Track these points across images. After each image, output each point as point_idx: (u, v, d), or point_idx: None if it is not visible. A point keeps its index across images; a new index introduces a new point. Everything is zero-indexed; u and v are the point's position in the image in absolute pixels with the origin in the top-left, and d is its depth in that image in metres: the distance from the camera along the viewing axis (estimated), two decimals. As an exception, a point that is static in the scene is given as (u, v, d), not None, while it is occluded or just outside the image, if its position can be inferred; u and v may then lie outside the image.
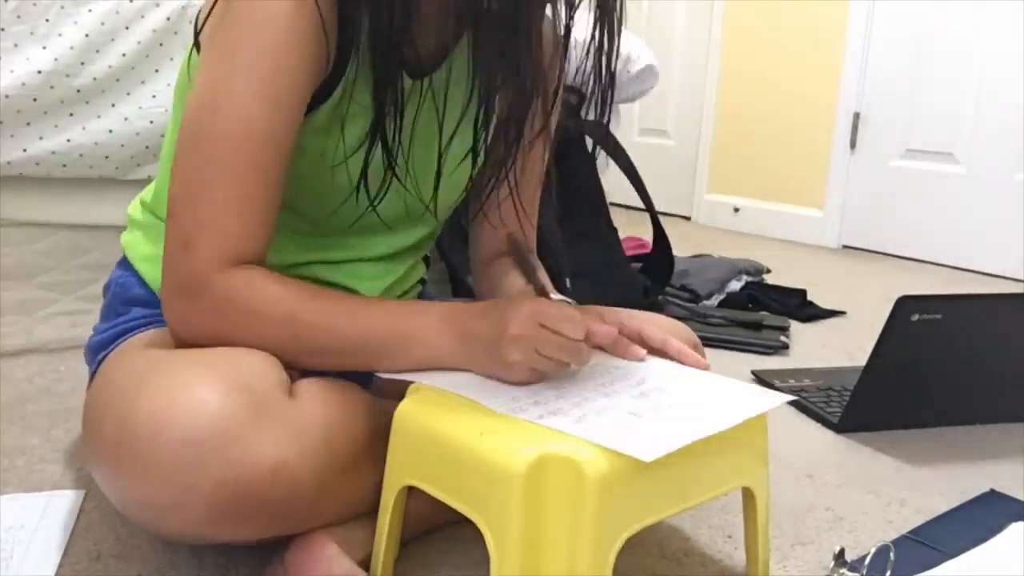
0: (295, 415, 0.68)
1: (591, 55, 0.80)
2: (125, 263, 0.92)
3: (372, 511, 0.74)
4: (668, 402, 0.70)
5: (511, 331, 0.70)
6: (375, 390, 0.80)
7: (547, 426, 0.64)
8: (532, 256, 0.70)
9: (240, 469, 0.63)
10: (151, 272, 0.87)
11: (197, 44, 0.80)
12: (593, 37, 0.80)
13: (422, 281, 1.03)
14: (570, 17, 0.82)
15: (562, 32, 0.82)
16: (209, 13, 0.76)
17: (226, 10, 0.73)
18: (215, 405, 0.63)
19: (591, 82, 0.81)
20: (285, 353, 0.73)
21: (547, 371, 0.72)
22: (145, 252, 0.90)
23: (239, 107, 0.71)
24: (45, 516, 0.86)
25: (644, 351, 0.80)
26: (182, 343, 0.74)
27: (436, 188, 0.86)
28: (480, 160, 0.89)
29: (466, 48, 0.83)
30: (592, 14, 0.79)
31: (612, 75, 0.82)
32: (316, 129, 0.79)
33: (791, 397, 0.77)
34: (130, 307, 0.87)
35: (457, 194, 0.93)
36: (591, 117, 0.87)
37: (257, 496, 0.64)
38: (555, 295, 0.81)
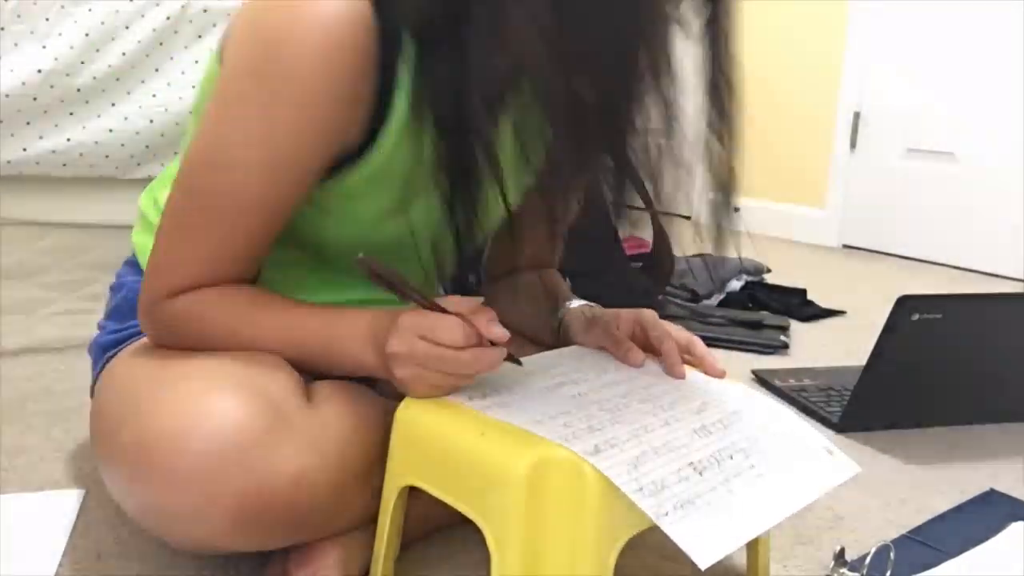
0: (314, 423, 0.68)
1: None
2: (135, 264, 0.90)
3: (376, 515, 0.74)
4: (731, 457, 0.65)
5: (388, 348, 0.66)
6: (379, 389, 0.80)
7: (602, 471, 0.59)
8: (389, 272, 0.64)
9: (262, 478, 0.62)
10: None
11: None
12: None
13: None
14: None
15: None
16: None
17: (242, 57, 0.68)
18: (236, 414, 0.63)
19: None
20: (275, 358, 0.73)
21: (443, 384, 0.67)
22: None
23: (237, 173, 0.69)
24: (45, 516, 0.86)
25: (642, 356, 0.80)
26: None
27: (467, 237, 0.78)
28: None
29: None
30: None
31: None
32: (347, 193, 0.75)
33: (858, 469, 0.73)
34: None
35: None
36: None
37: (279, 505, 0.64)
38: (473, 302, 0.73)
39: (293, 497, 0.64)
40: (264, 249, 0.74)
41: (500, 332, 0.66)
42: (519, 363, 0.73)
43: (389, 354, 0.66)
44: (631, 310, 0.84)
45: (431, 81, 0.68)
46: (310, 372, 0.74)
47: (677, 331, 0.83)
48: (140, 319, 0.76)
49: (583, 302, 0.89)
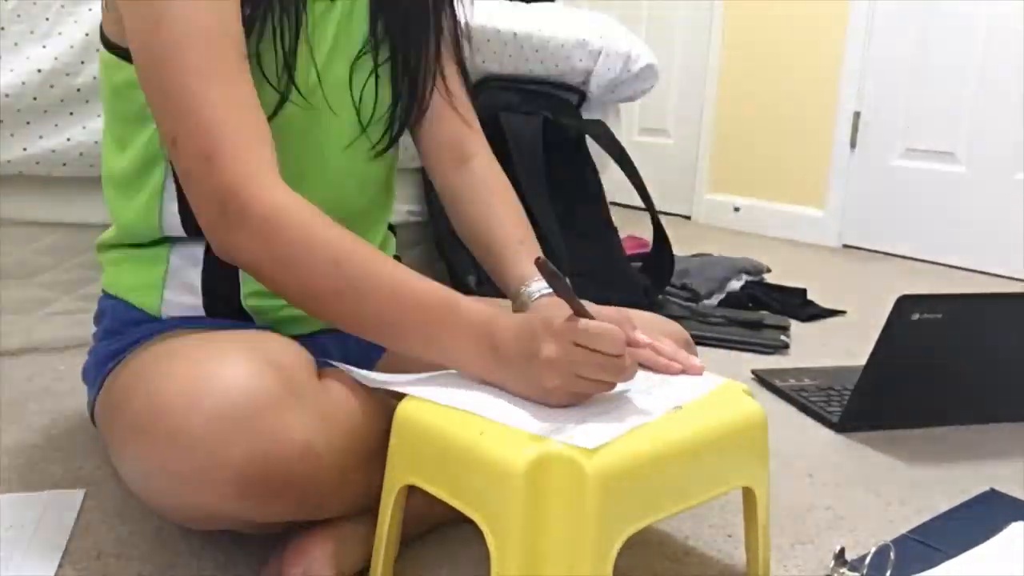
0: (323, 399, 0.68)
1: None
2: (112, 297, 0.90)
3: (374, 510, 0.74)
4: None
5: (543, 354, 0.64)
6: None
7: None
8: (561, 276, 0.65)
9: (270, 444, 0.63)
10: (143, 298, 0.86)
11: (104, 40, 0.80)
12: None
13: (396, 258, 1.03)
14: None
15: None
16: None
17: None
18: (248, 379, 0.63)
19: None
20: (318, 303, 0.70)
21: (589, 393, 0.67)
22: (130, 283, 0.88)
23: (186, 17, 0.68)
24: (45, 515, 0.86)
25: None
26: (226, 262, 0.72)
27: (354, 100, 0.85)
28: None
29: None
30: None
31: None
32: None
33: (720, 380, 0.75)
34: (131, 327, 0.86)
35: (381, 113, 0.89)
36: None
37: (284, 473, 0.64)
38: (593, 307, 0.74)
39: (298, 466, 0.64)
40: (258, 103, 0.72)
41: (648, 344, 0.71)
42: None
43: (545, 359, 0.64)
44: (613, 307, 0.84)
45: None
46: (392, 346, 0.72)
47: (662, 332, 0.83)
48: (217, 233, 0.69)
49: (544, 291, 0.84)
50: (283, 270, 0.69)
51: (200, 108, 0.68)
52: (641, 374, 0.73)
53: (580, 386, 0.66)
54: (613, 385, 0.67)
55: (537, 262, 0.63)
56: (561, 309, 0.66)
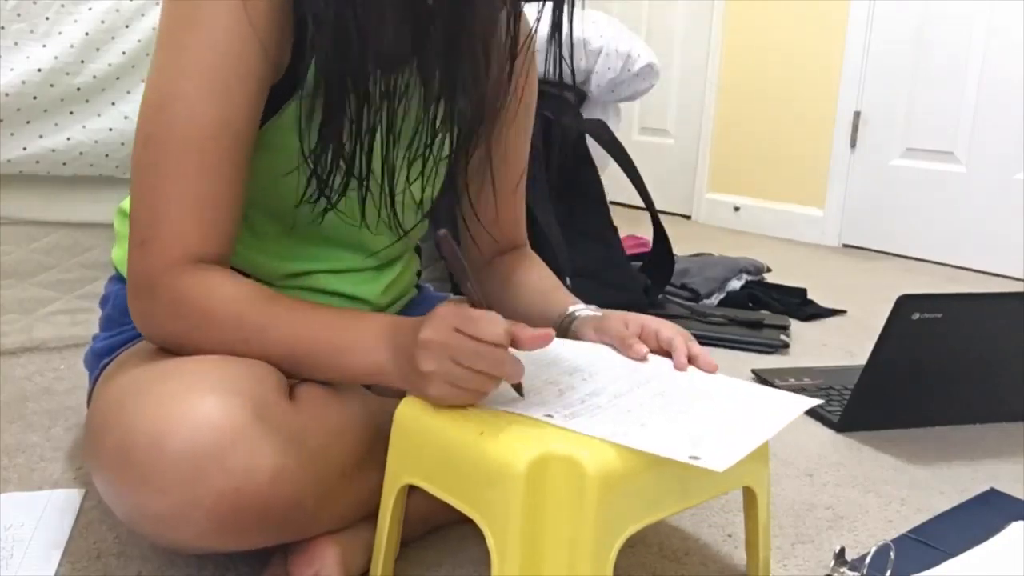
0: (294, 421, 0.67)
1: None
2: (120, 277, 0.91)
3: (376, 513, 0.74)
4: (706, 407, 0.69)
5: (421, 335, 0.65)
6: (377, 389, 0.80)
7: (597, 437, 0.62)
8: (462, 261, 0.66)
9: (241, 478, 0.62)
10: None
11: None
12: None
13: (417, 273, 1.03)
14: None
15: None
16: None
17: (171, 7, 0.71)
18: (213, 414, 0.62)
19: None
20: (235, 355, 0.71)
21: (467, 387, 0.65)
22: None
23: (187, 105, 0.69)
24: (45, 515, 0.86)
25: (645, 348, 0.80)
26: (150, 341, 0.75)
27: (391, 192, 0.82)
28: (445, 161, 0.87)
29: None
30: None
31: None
32: (287, 127, 0.76)
33: (819, 401, 0.75)
34: (128, 318, 0.86)
35: (428, 193, 0.89)
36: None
37: (259, 505, 0.64)
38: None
39: (272, 496, 0.64)
40: (237, 193, 0.73)
41: (537, 334, 0.66)
42: (521, 395, 0.69)
43: (422, 341, 0.64)
44: (637, 314, 0.85)
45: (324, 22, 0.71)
46: (311, 375, 0.73)
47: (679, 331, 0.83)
48: (136, 303, 0.73)
49: (590, 308, 0.89)
50: (194, 337, 0.71)
51: (156, 201, 0.71)
52: (735, 385, 0.75)
53: (457, 376, 0.64)
54: (492, 381, 0.65)
55: (437, 236, 0.64)
56: (598, 323, 0.71)
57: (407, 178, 0.84)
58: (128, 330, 0.85)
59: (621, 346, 0.81)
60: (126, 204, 0.92)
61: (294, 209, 0.80)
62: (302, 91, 0.75)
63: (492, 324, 0.64)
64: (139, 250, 0.71)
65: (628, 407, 0.68)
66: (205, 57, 0.69)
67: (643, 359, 0.79)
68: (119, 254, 0.92)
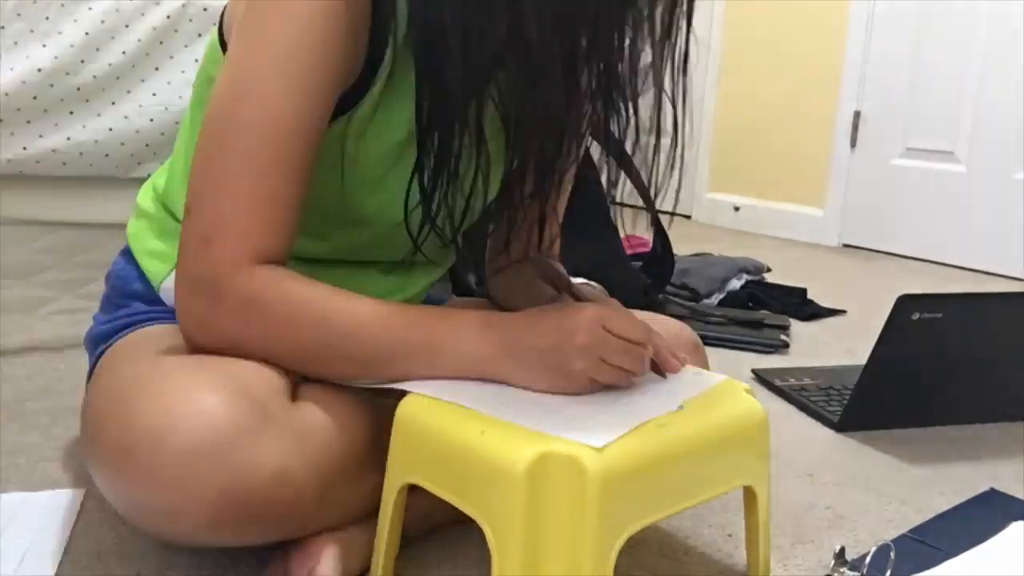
0: (296, 420, 0.67)
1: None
2: (128, 254, 0.90)
3: (376, 512, 0.74)
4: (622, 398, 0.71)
5: (578, 340, 0.67)
6: (377, 388, 0.80)
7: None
8: (563, 272, 0.68)
9: (242, 476, 0.62)
10: (155, 268, 0.85)
11: (222, 41, 0.78)
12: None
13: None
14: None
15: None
16: (222, 16, 0.75)
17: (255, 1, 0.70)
18: (216, 411, 0.62)
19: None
20: (311, 363, 0.71)
21: (607, 381, 0.69)
22: (151, 247, 0.86)
23: (267, 98, 0.68)
24: (45, 515, 0.86)
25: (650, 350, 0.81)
26: (198, 348, 0.71)
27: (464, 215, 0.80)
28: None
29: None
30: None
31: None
32: (331, 137, 0.75)
33: (720, 376, 0.77)
34: (130, 301, 0.86)
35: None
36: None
37: (259, 502, 0.64)
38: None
39: (273, 494, 0.64)
40: (303, 194, 0.72)
41: (662, 338, 0.73)
42: (663, 374, 0.75)
43: (579, 344, 0.67)
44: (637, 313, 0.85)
45: (422, 30, 0.70)
46: (403, 376, 0.71)
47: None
48: (193, 304, 0.70)
49: (586, 282, 0.88)
50: (270, 343, 0.70)
51: (224, 196, 0.69)
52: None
53: (602, 372, 0.68)
54: (631, 374, 0.70)
55: (532, 262, 0.65)
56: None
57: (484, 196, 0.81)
58: (123, 316, 0.84)
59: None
60: (161, 181, 0.89)
61: (334, 219, 0.81)
62: (355, 109, 0.74)
63: (636, 324, 0.69)
64: (203, 248, 0.68)
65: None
66: (289, 54, 0.68)
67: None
68: (134, 227, 0.90)
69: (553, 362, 0.68)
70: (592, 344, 0.67)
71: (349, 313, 0.70)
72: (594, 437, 0.61)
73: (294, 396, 0.71)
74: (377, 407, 0.76)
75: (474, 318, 0.72)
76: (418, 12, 0.71)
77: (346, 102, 0.74)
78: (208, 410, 0.62)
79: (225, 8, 0.80)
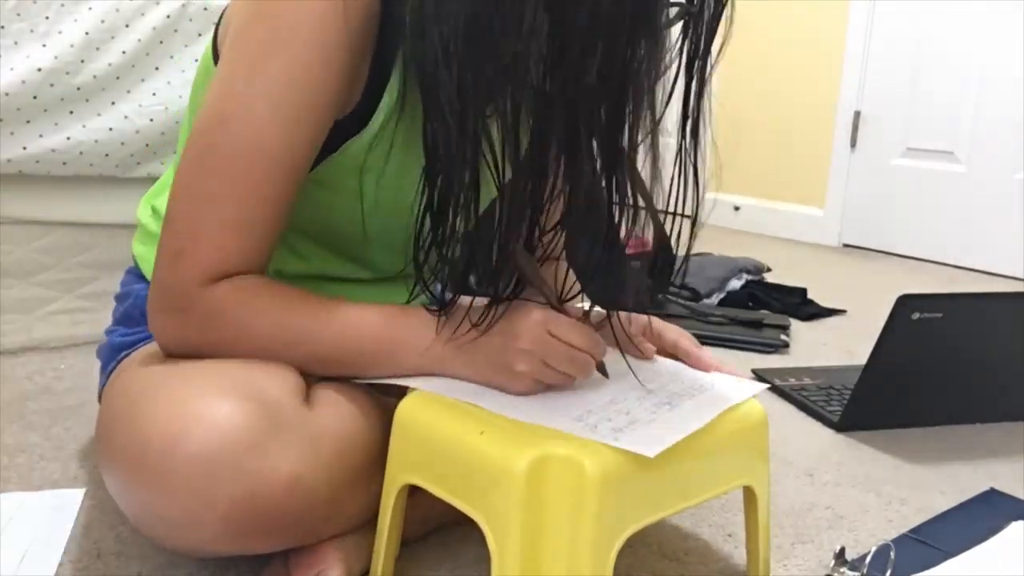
0: (310, 426, 0.67)
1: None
2: (140, 274, 0.89)
3: (376, 516, 0.74)
4: (665, 401, 0.71)
5: (521, 343, 0.68)
6: (380, 388, 0.80)
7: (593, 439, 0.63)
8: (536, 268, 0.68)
9: (256, 483, 0.62)
10: None
11: (215, 52, 0.77)
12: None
13: None
14: None
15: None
16: (221, 18, 0.75)
17: (249, 17, 0.69)
18: (229, 418, 0.62)
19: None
20: (277, 358, 0.71)
21: (551, 382, 0.70)
22: None
23: (252, 124, 0.67)
24: (45, 515, 0.86)
25: (653, 348, 0.81)
26: (168, 354, 0.73)
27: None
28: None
29: None
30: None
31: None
32: (347, 166, 0.75)
33: (764, 386, 0.78)
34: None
35: None
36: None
37: (273, 509, 0.63)
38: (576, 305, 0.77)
39: (287, 501, 0.64)
40: (284, 217, 0.72)
41: (602, 341, 0.72)
42: (606, 374, 0.75)
43: (521, 347, 0.68)
44: (639, 315, 0.85)
45: (422, 55, 0.68)
46: (362, 374, 0.72)
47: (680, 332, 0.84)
48: (159, 316, 0.71)
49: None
50: (232, 348, 0.70)
51: (200, 216, 0.69)
52: (687, 375, 0.78)
53: (545, 374, 0.69)
54: (572, 379, 0.71)
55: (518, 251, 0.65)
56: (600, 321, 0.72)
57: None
58: (145, 330, 0.84)
59: (625, 346, 0.81)
60: (160, 203, 0.89)
61: (339, 235, 0.81)
62: (371, 126, 0.73)
63: (581, 332, 0.69)
64: (173, 262, 0.69)
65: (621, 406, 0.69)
66: (281, 85, 0.67)
67: (649, 359, 0.80)
68: (142, 249, 0.90)
69: (498, 361, 0.69)
70: (534, 348, 0.68)
71: (307, 313, 0.71)
72: (647, 446, 0.61)
73: (310, 398, 0.71)
74: (388, 411, 0.76)
75: (425, 316, 0.72)
76: (413, 52, 0.68)
77: (348, 130, 0.73)
78: (220, 417, 0.62)
79: (224, 11, 0.79)
